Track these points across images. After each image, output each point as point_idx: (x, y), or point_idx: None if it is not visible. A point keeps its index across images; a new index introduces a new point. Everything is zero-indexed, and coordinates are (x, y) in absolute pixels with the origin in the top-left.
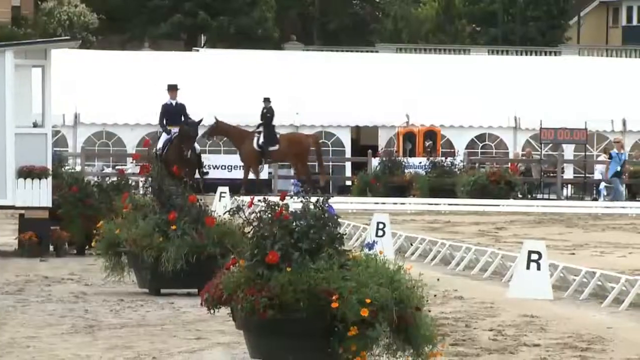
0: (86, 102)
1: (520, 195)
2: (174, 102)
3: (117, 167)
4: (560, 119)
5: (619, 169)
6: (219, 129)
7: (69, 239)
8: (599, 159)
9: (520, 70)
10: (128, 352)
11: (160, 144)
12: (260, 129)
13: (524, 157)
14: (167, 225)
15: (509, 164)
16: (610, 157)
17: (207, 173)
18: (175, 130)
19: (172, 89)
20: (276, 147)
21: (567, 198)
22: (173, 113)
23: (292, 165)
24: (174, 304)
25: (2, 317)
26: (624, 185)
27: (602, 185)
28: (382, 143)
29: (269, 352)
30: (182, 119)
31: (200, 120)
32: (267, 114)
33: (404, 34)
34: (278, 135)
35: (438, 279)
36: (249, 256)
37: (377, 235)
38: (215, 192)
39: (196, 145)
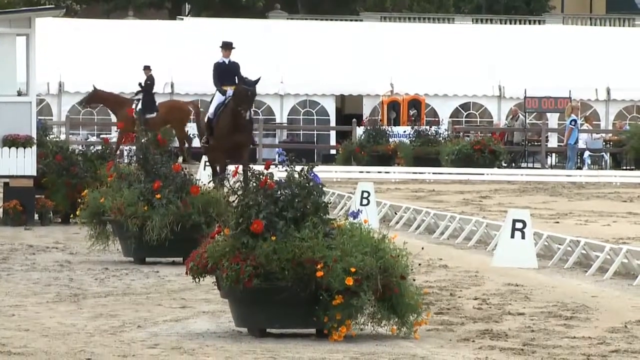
0: (70, 71)
1: (504, 164)
2: (226, 61)
3: (101, 136)
4: (544, 87)
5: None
6: (97, 97)
7: (53, 208)
8: (583, 127)
9: (504, 39)
10: (113, 320)
11: (211, 109)
12: (139, 96)
13: (510, 118)
14: (152, 194)
15: (493, 133)
16: (574, 123)
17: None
18: (230, 91)
19: (227, 47)
20: (154, 115)
21: (551, 167)
22: (226, 72)
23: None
24: (159, 272)
25: None
26: (608, 155)
27: (587, 154)
28: (366, 112)
29: (254, 321)
30: (236, 79)
31: (258, 79)
32: (148, 82)
33: (388, 2)
34: (157, 103)
35: (422, 248)
36: (234, 225)
37: (361, 204)
38: (199, 161)
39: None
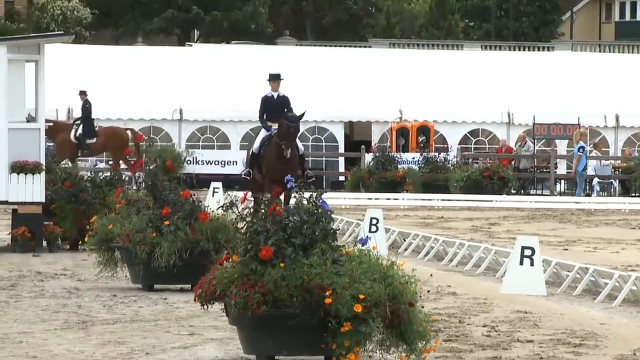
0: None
1: (513, 191)
2: (275, 95)
3: (110, 162)
4: (553, 114)
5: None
6: None
7: (62, 234)
8: (592, 154)
9: (513, 65)
10: (121, 347)
11: (256, 144)
12: (79, 121)
13: (518, 145)
14: (161, 221)
15: (498, 149)
16: (582, 150)
17: (312, 177)
18: (275, 127)
19: (275, 79)
20: (94, 140)
21: (560, 194)
22: (275, 107)
23: (112, 158)
24: (167, 299)
25: None
26: (617, 181)
27: (595, 180)
28: (375, 138)
29: (263, 348)
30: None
31: (302, 114)
32: (86, 105)
33: (397, 29)
34: (97, 128)
35: (431, 275)
36: (242, 252)
37: (370, 231)
38: (208, 188)
39: (299, 143)
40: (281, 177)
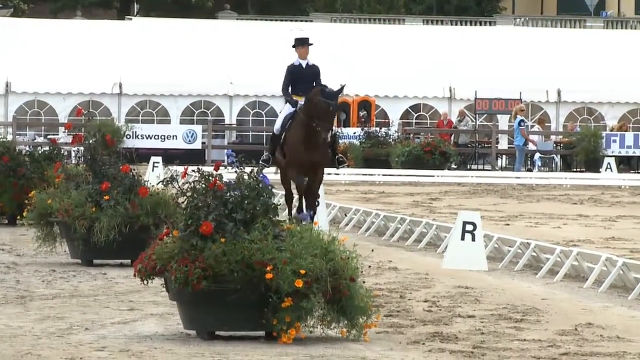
0: (18, 71)
1: (454, 166)
2: (303, 64)
3: (49, 137)
4: (495, 89)
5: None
6: None
7: (0, 209)
8: (534, 129)
9: (455, 40)
10: (60, 322)
11: (278, 123)
12: None
13: (457, 120)
14: (100, 196)
15: (439, 122)
16: (523, 123)
17: (344, 163)
18: (302, 102)
19: (302, 43)
20: None
21: (501, 169)
22: (303, 78)
23: None
24: (107, 274)
25: None
26: (558, 156)
27: (537, 155)
28: None
29: (203, 323)
30: (315, 86)
31: (342, 88)
32: None
33: (339, 3)
34: None
35: (372, 250)
36: (183, 227)
37: None
38: (148, 162)
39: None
40: (308, 162)
